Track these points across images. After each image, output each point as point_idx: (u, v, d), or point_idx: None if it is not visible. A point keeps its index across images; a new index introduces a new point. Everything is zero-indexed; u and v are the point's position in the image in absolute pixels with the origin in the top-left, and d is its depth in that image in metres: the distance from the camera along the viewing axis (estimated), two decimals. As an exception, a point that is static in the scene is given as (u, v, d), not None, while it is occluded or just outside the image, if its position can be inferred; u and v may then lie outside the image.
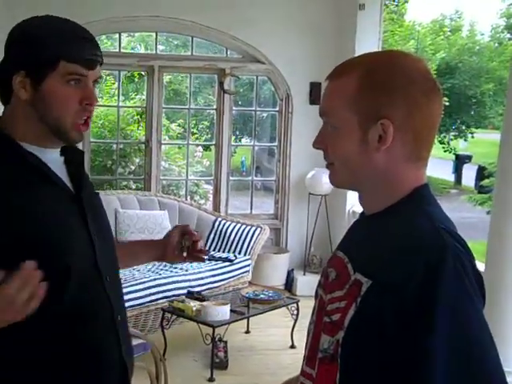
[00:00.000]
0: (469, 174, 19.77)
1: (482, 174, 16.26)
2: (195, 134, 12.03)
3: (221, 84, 6.39)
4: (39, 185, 1.47)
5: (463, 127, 20.48)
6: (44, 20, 1.48)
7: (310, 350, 1.33)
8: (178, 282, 4.85)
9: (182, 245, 1.80)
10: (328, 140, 1.30)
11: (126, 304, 4.48)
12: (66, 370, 1.50)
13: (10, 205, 1.41)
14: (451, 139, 20.71)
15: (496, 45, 22.04)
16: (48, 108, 1.45)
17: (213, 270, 5.22)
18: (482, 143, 21.49)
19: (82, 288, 1.49)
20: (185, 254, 1.81)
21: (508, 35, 23.35)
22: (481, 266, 3.91)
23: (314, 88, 6.33)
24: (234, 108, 6.63)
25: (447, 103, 18.47)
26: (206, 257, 1.86)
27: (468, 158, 21.42)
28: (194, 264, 5.24)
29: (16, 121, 1.48)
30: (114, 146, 7.34)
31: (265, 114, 10.47)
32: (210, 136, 11.85)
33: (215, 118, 6.60)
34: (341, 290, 1.25)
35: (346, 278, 1.25)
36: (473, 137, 20.80)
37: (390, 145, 1.22)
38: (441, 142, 20.40)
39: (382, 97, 1.22)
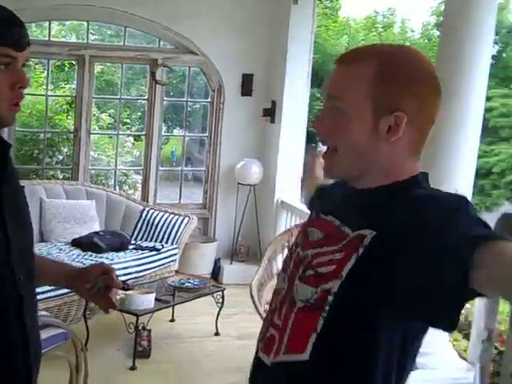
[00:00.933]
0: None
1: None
2: (127, 124, 11.91)
3: (153, 74, 6.36)
4: None
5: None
6: None
7: (281, 303, 1.39)
8: (102, 271, 4.82)
9: (95, 283, 1.63)
10: (334, 124, 1.31)
11: (50, 294, 4.42)
12: None
13: None
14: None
15: (426, 41, 22.56)
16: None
17: (139, 259, 5.21)
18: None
19: None
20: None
21: (437, 32, 23.94)
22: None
23: (246, 80, 6.38)
24: (165, 98, 6.61)
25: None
26: (112, 310, 1.71)
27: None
28: (120, 253, 5.23)
29: None
30: (42, 135, 7.20)
31: (198, 105, 10.45)
32: (142, 126, 11.74)
33: (146, 108, 6.57)
34: (335, 245, 1.29)
35: (341, 236, 1.30)
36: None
37: (400, 137, 1.27)
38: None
39: (399, 88, 1.25)
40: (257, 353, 1.46)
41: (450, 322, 1.16)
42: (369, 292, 1.23)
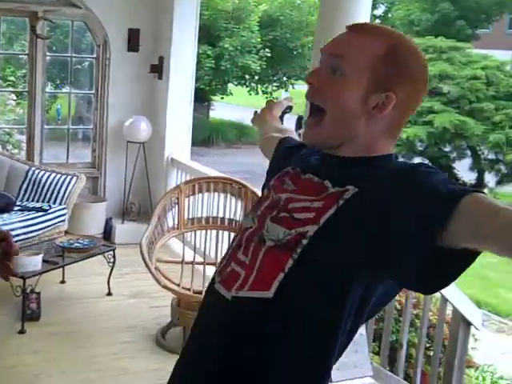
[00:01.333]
0: (290, 124, 20.54)
1: (301, 123, 16.98)
2: (9, 81, 11.37)
3: (33, 28, 6.08)
4: None
5: (285, 78, 21.13)
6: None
7: (248, 241, 1.41)
8: (-14, 234, 4.64)
9: None
10: (330, 82, 1.36)
11: None
12: None
13: None
14: (274, 90, 21.29)
15: (316, 0, 22.81)
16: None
17: (25, 220, 5.05)
18: (302, 94, 22.33)
19: None
20: None
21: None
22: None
23: (133, 34, 6.22)
24: (48, 54, 6.34)
25: (269, 54, 18.96)
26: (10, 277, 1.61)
27: (289, 108, 22.18)
28: (5, 215, 5.05)
29: None
30: None
31: (87, 63, 10.12)
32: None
33: (27, 64, 6.29)
34: (314, 196, 1.36)
35: (321, 189, 1.36)
36: (294, 88, 21.54)
37: (382, 116, 1.35)
38: (264, 93, 20.94)
39: (399, 73, 1.35)
40: (211, 286, 1.48)
41: (429, 283, 1.27)
42: (341, 243, 1.29)
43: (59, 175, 5.65)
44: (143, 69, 6.24)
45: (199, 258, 4.53)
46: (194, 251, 4.44)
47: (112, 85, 6.27)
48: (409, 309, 4.00)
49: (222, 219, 4.55)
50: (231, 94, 20.70)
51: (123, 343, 3.99)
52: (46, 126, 6.41)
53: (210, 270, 4.44)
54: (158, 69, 6.17)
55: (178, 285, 3.95)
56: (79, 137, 9.77)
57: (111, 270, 4.75)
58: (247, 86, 20.50)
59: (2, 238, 1.59)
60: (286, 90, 21.73)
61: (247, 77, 19.78)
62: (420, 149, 14.21)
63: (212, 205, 4.72)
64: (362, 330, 3.72)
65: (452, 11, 23.57)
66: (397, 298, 4.42)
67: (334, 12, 3.62)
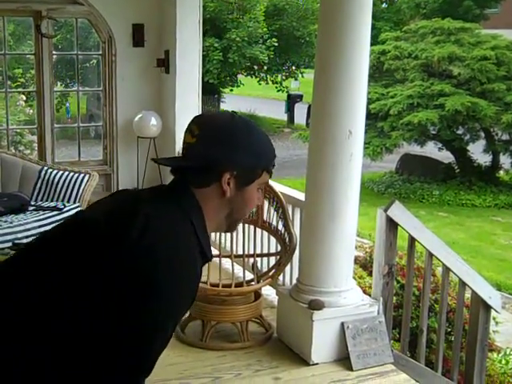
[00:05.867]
0: (301, 113, 20.49)
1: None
2: (18, 81, 11.40)
3: (38, 27, 6.07)
4: None
5: (293, 67, 21.07)
6: (257, 129, 1.61)
7: None
8: (1, 234, 4.66)
9: None
10: None
11: None
12: None
13: None
14: (283, 79, 21.24)
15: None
16: (242, 208, 1.60)
17: (40, 220, 5.05)
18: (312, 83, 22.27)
19: None
20: None
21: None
22: (302, 196, 4.12)
23: (137, 30, 6.20)
24: (54, 52, 6.34)
25: (276, 44, 18.90)
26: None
27: (299, 98, 22.15)
28: (20, 215, 5.05)
29: (208, 210, 1.55)
30: None
31: (95, 60, 10.13)
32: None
33: (34, 63, 6.29)
34: None
35: None
36: (303, 77, 21.47)
37: None
38: (274, 82, 20.89)
39: None
40: None
41: None
42: None
43: (72, 173, 5.65)
44: (150, 63, 6.22)
45: (215, 251, 4.50)
46: (209, 244, 4.42)
47: (119, 81, 6.26)
48: (427, 294, 3.97)
49: (236, 211, 4.52)
50: (242, 84, 20.64)
51: (142, 339, 3.98)
52: (56, 125, 6.43)
53: (227, 263, 4.42)
54: (165, 63, 6.15)
55: (195, 278, 3.92)
56: (91, 134, 9.78)
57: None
58: (256, 77, 20.45)
59: None
60: (296, 79, 21.68)
61: (256, 67, 19.73)
62: (433, 132, 14.11)
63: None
64: (381, 317, 3.71)
65: (459, -8, 23.31)
66: (414, 283, 4.40)
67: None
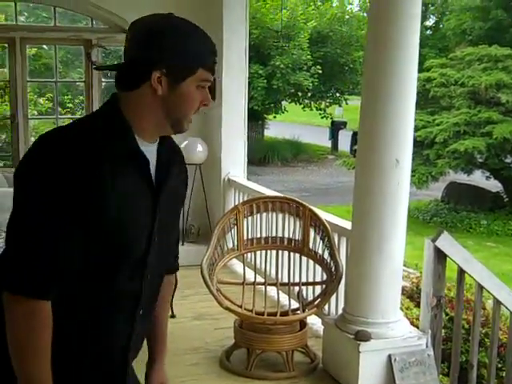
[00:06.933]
0: (345, 140, 20.44)
1: (355, 139, 16.86)
2: (67, 108, 11.64)
3: (88, 55, 6.21)
4: (133, 175, 1.55)
5: (337, 94, 21.06)
6: (190, 26, 1.60)
7: None
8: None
9: None
10: None
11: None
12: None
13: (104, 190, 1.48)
14: (327, 106, 21.24)
15: (364, 14, 22.73)
16: (178, 106, 1.59)
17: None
18: (356, 109, 22.19)
19: (125, 278, 1.58)
20: None
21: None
22: (349, 225, 4.07)
23: (185, 57, 6.28)
24: (103, 80, 6.46)
25: (320, 71, 18.95)
26: None
27: (343, 125, 22.14)
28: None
29: (141, 110, 1.58)
30: (-23, 121, 6.98)
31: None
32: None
33: (84, 90, 6.42)
34: None
35: None
36: (347, 103, 21.45)
37: None
38: (317, 109, 20.91)
39: None
40: None
41: None
42: None
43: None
44: (196, 90, 6.27)
45: (260, 279, 4.48)
46: (255, 272, 4.40)
47: (167, 108, 6.32)
48: (477, 327, 3.86)
49: (282, 239, 4.50)
50: (286, 111, 20.71)
51: (188, 366, 3.96)
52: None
53: (272, 291, 4.39)
54: (211, 90, 6.17)
55: (240, 306, 3.91)
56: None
57: (174, 291, 4.73)
58: (300, 103, 20.50)
59: None
60: (340, 106, 21.67)
61: (300, 94, 19.78)
62: (480, 161, 13.88)
63: (271, 224, 4.68)
64: (429, 350, 3.62)
65: (505, 18, 23.11)
66: (464, 316, 4.29)
67: (383, 26, 3.55)
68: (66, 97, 12.17)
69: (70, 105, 11.81)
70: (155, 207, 1.60)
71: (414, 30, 3.53)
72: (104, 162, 1.49)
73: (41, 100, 8.68)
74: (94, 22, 6.32)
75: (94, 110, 5.66)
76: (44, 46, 10.00)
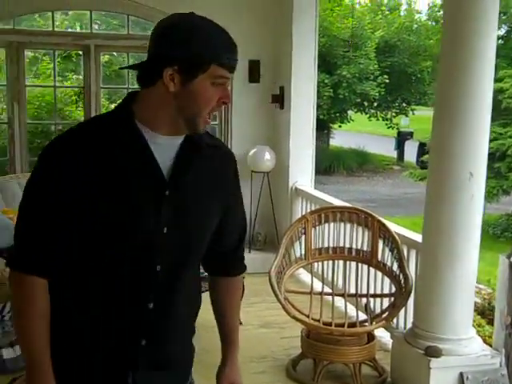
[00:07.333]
0: (411, 151, 20.13)
1: (422, 150, 16.58)
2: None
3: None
4: (135, 163, 1.58)
5: (404, 104, 20.79)
6: (205, 23, 1.59)
7: None
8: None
9: None
10: None
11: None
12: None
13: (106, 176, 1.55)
14: (393, 116, 20.99)
15: (433, 23, 22.38)
16: (191, 103, 1.57)
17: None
18: (423, 120, 21.85)
19: (123, 268, 1.60)
20: None
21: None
22: (419, 238, 4.00)
23: (253, 66, 6.31)
24: (173, 87, 6.54)
25: (387, 81, 18.74)
26: None
27: (409, 135, 21.81)
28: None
29: (155, 107, 1.59)
30: (53, 127, 7.18)
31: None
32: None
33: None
34: None
35: None
36: (414, 114, 21.14)
37: None
38: (383, 119, 20.69)
39: None
40: None
41: None
42: None
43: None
44: (265, 99, 6.30)
45: (327, 289, 4.45)
46: (323, 282, 4.37)
47: (235, 116, 6.37)
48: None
49: (350, 249, 4.46)
50: (352, 120, 20.57)
51: (255, 374, 3.96)
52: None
53: (339, 301, 4.35)
54: (279, 99, 6.21)
55: (308, 316, 3.88)
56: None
57: (240, 299, 4.74)
58: (366, 113, 20.33)
59: None
60: (406, 116, 21.38)
61: (366, 104, 19.62)
62: None
63: (338, 235, 4.65)
64: (503, 369, 3.51)
65: None
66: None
67: (457, 37, 3.48)
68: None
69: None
70: (161, 197, 1.59)
71: (491, 38, 3.45)
72: (100, 148, 1.55)
73: (112, 106, 8.85)
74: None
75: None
76: (114, 53, 10.22)
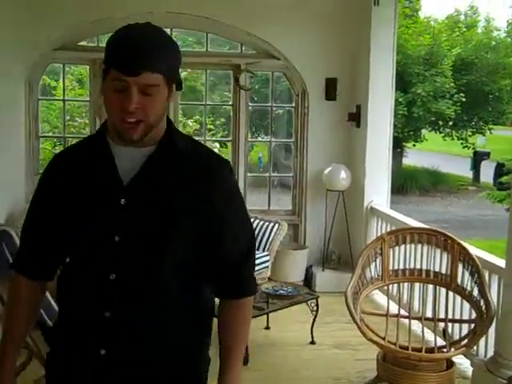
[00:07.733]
0: (487, 171, 19.61)
1: (500, 170, 16.11)
2: (211, 130, 12.02)
3: (236, 80, 6.38)
4: (99, 174, 1.63)
5: (481, 123, 20.30)
6: (127, 28, 1.59)
7: None
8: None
9: None
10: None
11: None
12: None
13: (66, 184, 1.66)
14: (469, 135, 20.52)
15: (512, 40, 21.84)
16: (107, 111, 1.60)
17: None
18: (501, 140, 21.29)
19: (76, 273, 1.67)
20: None
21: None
22: (501, 263, 3.87)
23: (330, 84, 6.30)
24: (250, 104, 6.60)
25: (464, 99, 18.35)
26: None
27: (486, 155, 21.25)
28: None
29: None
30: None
31: (281, 111, 10.46)
32: (226, 132, 11.85)
33: (231, 114, 6.59)
34: None
35: None
36: (491, 133, 20.61)
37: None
38: (459, 138, 20.25)
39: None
40: None
41: None
42: None
43: (262, 221, 5.78)
44: (341, 117, 6.27)
45: (403, 312, 4.36)
46: (399, 304, 4.28)
47: (311, 133, 6.37)
48: None
49: (428, 272, 4.35)
50: (426, 139, 20.23)
51: (327, 395, 3.92)
52: (248, 174, 6.64)
53: (415, 325, 4.25)
54: (356, 117, 6.16)
55: (384, 338, 3.81)
56: (275, 184, 10.03)
57: (314, 318, 4.71)
58: (440, 132, 19.95)
59: None
60: (483, 135, 20.87)
61: (440, 122, 19.25)
62: None
63: (416, 257, 4.54)
64: None
65: None
66: None
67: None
68: (208, 119, 12.62)
69: (211, 126, 12.21)
70: (116, 205, 1.59)
71: None
72: (76, 161, 1.67)
73: (189, 122, 9.01)
74: (243, 48, 6.49)
75: (240, 132, 5.85)
76: (188, 70, 10.40)
